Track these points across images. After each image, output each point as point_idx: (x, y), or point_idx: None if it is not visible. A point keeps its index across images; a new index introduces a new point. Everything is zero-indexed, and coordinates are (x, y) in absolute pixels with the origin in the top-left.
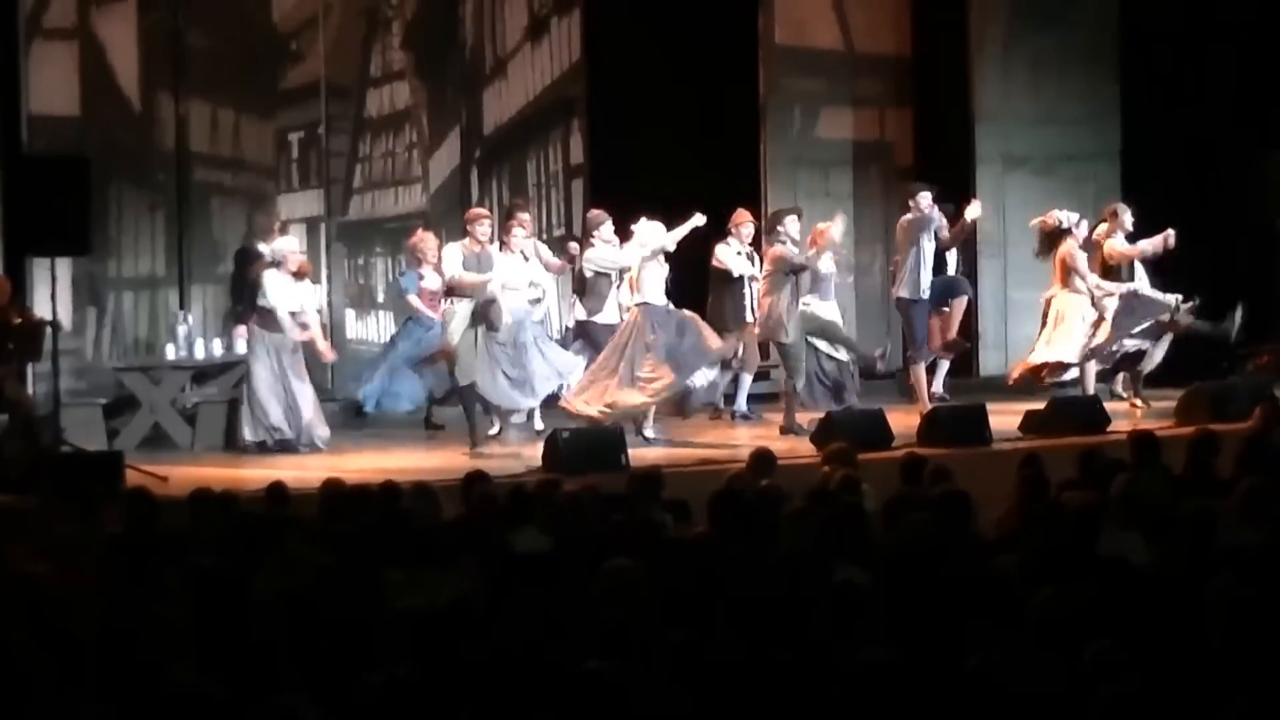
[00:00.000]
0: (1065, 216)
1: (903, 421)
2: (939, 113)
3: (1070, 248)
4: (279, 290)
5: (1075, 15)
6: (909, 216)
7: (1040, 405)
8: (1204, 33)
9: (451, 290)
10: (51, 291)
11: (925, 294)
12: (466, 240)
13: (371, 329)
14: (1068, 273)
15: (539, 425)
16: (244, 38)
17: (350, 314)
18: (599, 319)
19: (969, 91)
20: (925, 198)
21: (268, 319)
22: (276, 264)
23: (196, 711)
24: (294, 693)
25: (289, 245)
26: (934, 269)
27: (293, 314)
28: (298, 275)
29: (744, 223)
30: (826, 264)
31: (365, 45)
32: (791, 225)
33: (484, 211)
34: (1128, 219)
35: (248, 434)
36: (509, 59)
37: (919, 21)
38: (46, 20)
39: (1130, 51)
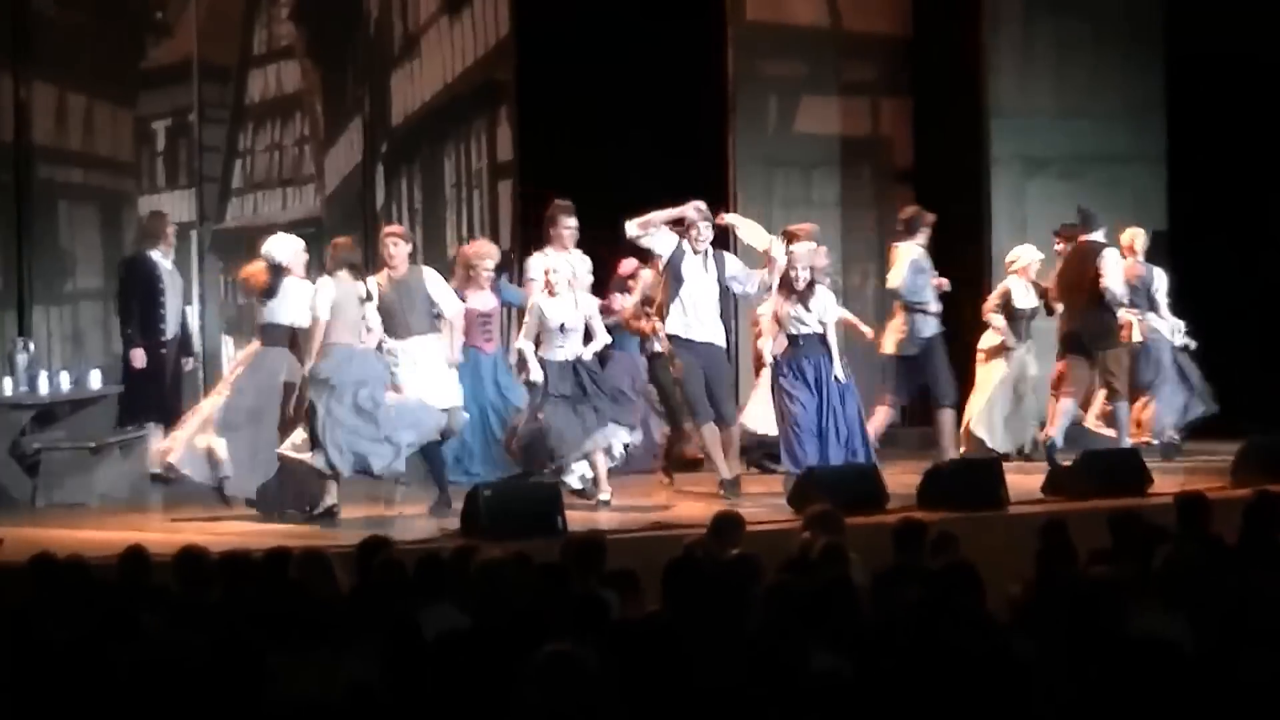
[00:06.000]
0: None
1: (900, 480)
2: (944, 104)
3: None
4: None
5: None
6: None
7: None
8: (1265, 15)
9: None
10: None
11: None
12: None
13: None
14: None
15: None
16: (100, 7)
17: (228, 341)
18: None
19: (981, 79)
20: None
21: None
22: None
23: None
24: None
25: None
26: None
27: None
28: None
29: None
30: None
31: (247, 17)
32: None
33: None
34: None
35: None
36: (422, 35)
37: None
38: None
39: (1178, 35)
